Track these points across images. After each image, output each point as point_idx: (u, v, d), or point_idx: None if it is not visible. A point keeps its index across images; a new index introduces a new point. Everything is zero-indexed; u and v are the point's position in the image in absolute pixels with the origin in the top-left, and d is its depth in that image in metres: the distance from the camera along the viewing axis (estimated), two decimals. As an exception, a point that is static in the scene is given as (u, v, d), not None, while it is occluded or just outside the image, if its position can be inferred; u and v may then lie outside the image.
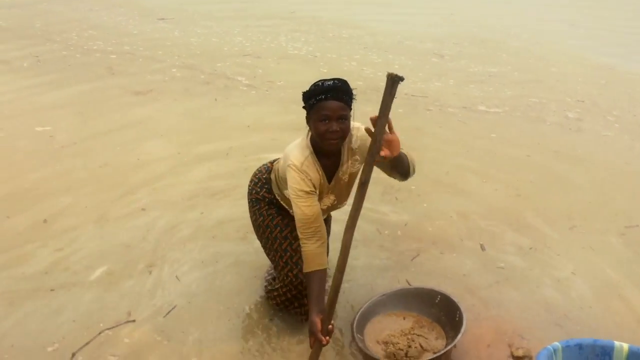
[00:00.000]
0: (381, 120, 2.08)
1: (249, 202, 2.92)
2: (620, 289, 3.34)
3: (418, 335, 2.91)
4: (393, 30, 10.07)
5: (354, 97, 2.42)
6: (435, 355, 2.61)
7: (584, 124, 6.14)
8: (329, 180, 2.59)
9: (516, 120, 6.06)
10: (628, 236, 3.89)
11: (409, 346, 2.83)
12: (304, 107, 2.47)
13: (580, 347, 2.62)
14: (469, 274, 3.44)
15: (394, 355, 2.75)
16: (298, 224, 2.47)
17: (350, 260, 2.36)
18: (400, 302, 3.06)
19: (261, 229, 2.87)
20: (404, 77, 2.07)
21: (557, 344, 2.61)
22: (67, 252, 3.47)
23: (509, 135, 5.56)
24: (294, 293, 2.82)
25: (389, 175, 2.57)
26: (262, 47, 8.24)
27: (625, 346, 2.61)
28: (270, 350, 2.79)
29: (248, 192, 2.93)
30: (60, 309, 2.99)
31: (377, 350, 2.78)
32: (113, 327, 2.89)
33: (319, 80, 2.39)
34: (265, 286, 3.09)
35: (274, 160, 2.91)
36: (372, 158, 2.14)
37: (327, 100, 2.33)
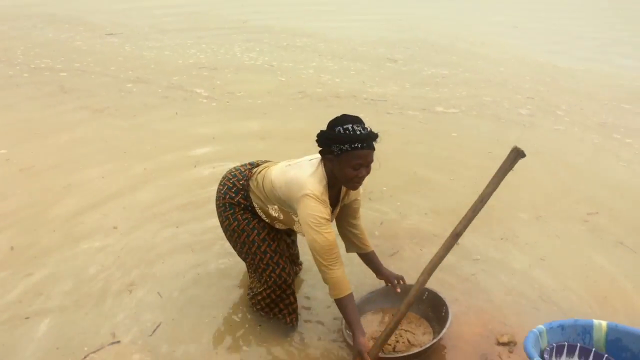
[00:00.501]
0: (490, 188, 2.61)
1: (220, 207, 2.86)
2: (587, 271, 3.52)
3: (406, 331, 2.97)
4: (345, 37, 10.21)
5: (378, 137, 2.46)
6: (420, 349, 2.67)
7: (536, 120, 6.40)
8: (332, 210, 2.66)
9: (473, 119, 6.26)
10: (590, 223, 4.09)
11: (397, 341, 2.88)
12: (321, 144, 2.48)
13: (562, 327, 2.75)
14: (447, 267, 3.51)
15: (382, 350, 2.80)
16: (321, 251, 2.47)
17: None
18: (388, 299, 3.12)
19: (236, 234, 2.83)
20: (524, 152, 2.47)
21: (541, 326, 2.72)
22: (39, 277, 3.32)
23: (469, 134, 5.74)
24: (277, 293, 2.83)
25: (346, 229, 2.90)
26: (218, 59, 8.20)
27: (604, 323, 2.74)
28: (261, 357, 2.78)
29: (219, 197, 2.87)
30: (40, 337, 2.86)
31: None
32: (98, 350, 2.80)
33: (347, 124, 2.41)
34: (248, 293, 3.08)
35: (251, 168, 2.90)
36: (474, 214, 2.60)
37: (363, 150, 2.38)
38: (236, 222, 2.82)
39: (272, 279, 2.79)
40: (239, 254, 2.94)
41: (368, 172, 2.51)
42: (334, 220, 2.79)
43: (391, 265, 3.50)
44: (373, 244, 3.68)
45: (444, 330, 2.73)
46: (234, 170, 2.94)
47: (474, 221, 3.92)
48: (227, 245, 3.57)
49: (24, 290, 3.21)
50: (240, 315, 3.08)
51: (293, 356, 2.80)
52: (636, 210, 4.30)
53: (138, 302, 3.16)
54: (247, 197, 2.82)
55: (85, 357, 2.77)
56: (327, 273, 2.51)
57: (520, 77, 8.38)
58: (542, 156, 5.22)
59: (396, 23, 12.32)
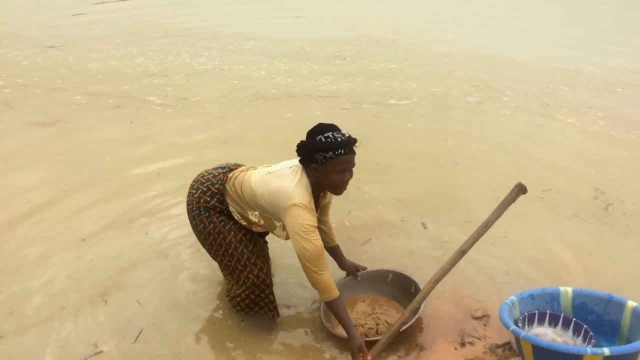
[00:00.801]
0: (494, 216, 2.98)
1: (194, 210, 2.85)
2: (547, 242, 3.75)
3: (381, 314, 3.10)
4: (291, 37, 10.29)
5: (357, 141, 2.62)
6: (407, 325, 2.78)
7: (484, 106, 6.67)
8: None
9: (426, 110, 6.47)
10: (546, 199, 4.32)
11: (377, 324, 3.00)
12: (302, 153, 2.61)
13: (532, 297, 2.93)
14: (417, 251, 3.68)
15: (366, 334, 2.90)
16: (310, 258, 2.56)
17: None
18: (355, 287, 3.25)
19: (212, 237, 2.84)
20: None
21: (513, 297, 2.89)
22: (6, 296, 3.24)
23: (424, 124, 5.94)
24: (257, 293, 2.87)
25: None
26: (167, 66, 8.11)
27: (569, 290, 2.94)
28: (247, 353, 2.82)
29: (192, 201, 2.86)
30: (19, 355, 2.80)
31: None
32: (82, 362, 2.77)
33: (323, 130, 2.56)
34: (227, 295, 3.10)
35: (224, 172, 2.91)
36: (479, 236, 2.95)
37: (346, 155, 2.53)
38: (212, 225, 2.83)
39: (250, 279, 2.83)
40: (215, 257, 2.94)
41: (351, 176, 2.64)
42: None
43: (364, 253, 3.62)
44: (345, 234, 3.81)
45: (423, 306, 2.85)
46: (206, 174, 2.94)
47: (439, 206, 4.13)
48: (200, 248, 3.60)
49: None
50: (221, 313, 3.11)
51: (279, 351, 2.86)
52: (586, 184, 4.57)
53: (115, 311, 3.13)
54: (222, 201, 2.84)
55: (69, 371, 2.74)
56: (316, 278, 2.60)
57: (465, 67, 8.68)
58: (494, 140, 5.47)
59: (340, 22, 12.49)
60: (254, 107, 6.40)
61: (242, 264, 2.82)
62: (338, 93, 6.99)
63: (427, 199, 4.29)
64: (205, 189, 2.84)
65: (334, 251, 3.17)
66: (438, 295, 3.22)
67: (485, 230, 2.94)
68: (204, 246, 2.98)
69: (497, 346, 2.92)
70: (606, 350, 2.30)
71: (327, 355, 2.82)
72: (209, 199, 2.82)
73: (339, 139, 2.52)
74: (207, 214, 2.83)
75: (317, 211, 2.81)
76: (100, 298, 3.24)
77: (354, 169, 2.65)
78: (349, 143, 2.54)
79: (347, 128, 2.68)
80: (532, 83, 7.83)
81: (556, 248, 3.68)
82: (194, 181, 2.94)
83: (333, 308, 2.67)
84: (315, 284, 2.63)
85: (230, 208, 2.84)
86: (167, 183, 4.52)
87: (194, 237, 3.64)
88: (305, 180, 2.62)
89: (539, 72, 8.53)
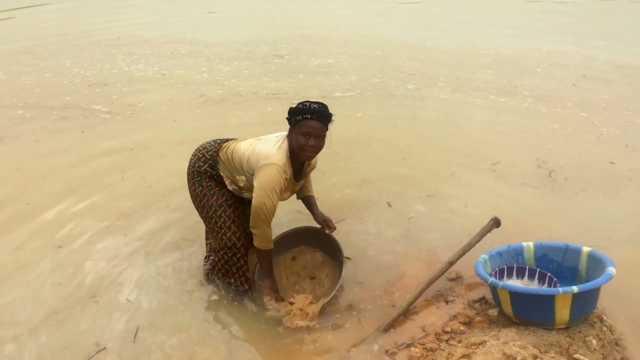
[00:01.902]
0: (475, 239, 3.33)
1: (189, 175, 3.23)
2: (503, 207, 4.13)
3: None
4: (225, 40, 10.35)
5: (332, 120, 2.95)
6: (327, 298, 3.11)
7: (423, 92, 7.09)
8: (296, 180, 3.09)
9: (370, 99, 6.79)
10: (497, 172, 4.74)
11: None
12: (287, 119, 2.94)
13: (500, 254, 3.26)
14: (387, 226, 3.95)
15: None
16: (267, 213, 2.91)
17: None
18: (300, 239, 3.58)
19: (198, 198, 3.19)
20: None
21: (484, 255, 3.21)
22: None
23: (372, 112, 6.26)
24: (229, 255, 3.16)
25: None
26: (105, 75, 7.97)
27: (531, 244, 3.30)
28: (247, 328, 3.05)
29: (189, 166, 3.24)
30: (22, 360, 2.82)
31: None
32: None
33: (306, 101, 2.91)
34: (205, 269, 3.40)
35: (219, 141, 3.26)
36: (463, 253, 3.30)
37: (311, 120, 2.84)
38: (200, 188, 3.18)
39: (224, 241, 3.12)
40: (201, 216, 3.28)
41: (317, 145, 2.90)
42: None
43: (340, 231, 3.83)
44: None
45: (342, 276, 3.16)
46: (205, 143, 3.30)
47: (401, 185, 4.39)
48: (184, 244, 3.72)
49: None
50: (214, 297, 3.27)
51: (277, 321, 3.05)
52: (528, 155, 5.04)
53: (107, 310, 3.21)
54: (214, 167, 3.18)
55: (78, 370, 2.79)
56: (264, 229, 2.97)
57: (398, 57, 9.10)
58: (440, 123, 5.87)
59: (270, 22, 12.63)
60: (204, 109, 6.47)
61: (218, 225, 3.14)
62: (283, 90, 7.18)
63: (390, 178, 4.60)
64: (201, 156, 3.21)
65: (309, 200, 3.46)
66: (410, 262, 3.56)
67: (468, 249, 3.34)
68: (196, 208, 3.29)
69: (474, 301, 3.25)
70: (575, 288, 2.63)
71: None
72: (202, 164, 3.17)
73: (312, 107, 2.86)
74: (199, 178, 3.18)
75: (302, 178, 3.18)
76: (91, 300, 3.30)
77: (323, 142, 2.93)
78: (317, 111, 2.86)
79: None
80: (461, 69, 8.35)
81: (511, 210, 4.08)
82: (194, 150, 3.29)
83: (262, 256, 3.09)
84: (261, 234, 2.98)
85: (222, 174, 3.16)
86: (134, 187, 4.60)
87: (171, 231, 3.82)
88: (285, 146, 2.95)
89: (465, 59, 9.10)
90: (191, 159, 3.26)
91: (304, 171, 3.17)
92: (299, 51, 9.56)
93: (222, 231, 3.11)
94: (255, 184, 2.91)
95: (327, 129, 2.94)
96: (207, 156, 3.19)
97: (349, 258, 3.51)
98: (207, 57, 9.02)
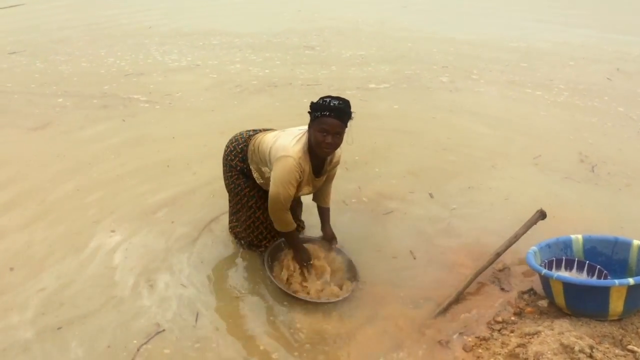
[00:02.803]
0: (521, 231, 3.38)
1: (224, 165, 3.42)
2: (544, 200, 4.06)
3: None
4: (256, 31, 10.41)
5: (352, 117, 2.94)
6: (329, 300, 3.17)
7: (458, 85, 7.09)
8: (316, 175, 3.15)
9: (406, 91, 6.81)
10: (539, 165, 4.74)
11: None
12: (309, 113, 2.95)
13: (548, 246, 3.28)
14: (430, 218, 3.99)
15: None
16: (283, 201, 3.01)
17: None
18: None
19: (232, 192, 3.45)
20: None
21: (534, 247, 3.23)
22: (55, 288, 3.31)
23: (409, 104, 6.28)
24: (255, 234, 3.46)
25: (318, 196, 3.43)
26: (140, 65, 8.08)
27: (580, 237, 3.31)
28: (308, 316, 3.10)
29: (224, 157, 3.41)
30: (85, 341, 2.90)
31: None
32: (149, 340, 2.92)
33: (327, 97, 2.90)
34: (238, 234, 3.63)
35: (252, 132, 3.34)
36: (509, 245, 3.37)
37: (329, 117, 2.84)
38: (232, 185, 3.40)
39: (250, 238, 3.48)
40: (230, 202, 3.54)
41: (334, 142, 2.91)
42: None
43: (388, 222, 3.90)
44: (366, 206, 4.07)
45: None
46: (237, 135, 3.41)
47: (444, 176, 4.38)
48: (220, 228, 3.81)
49: (42, 304, 3.17)
50: (269, 282, 3.31)
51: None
52: (569, 149, 5.04)
53: (164, 294, 3.27)
54: (244, 160, 3.29)
55: (138, 350, 2.87)
56: (281, 215, 3.09)
57: (428, 50, 9.09)
58: (478, 115, 5.87)
59: (297, 14, 12.67)
60: (240, 99, 6.55)
61: (247, 224, 3.44)
62: (318, 81, 7.23)
63: (433, 170, 4.65)
64: (232, 148, 3.35)
65: (323, 212, 3.50)
66: (455, 251, 3.64)
67: (515, 241, 3.40)
68: (227, 189, 3.51)
69: (523, 292, 3.27)
70: (631, 280, 2.65)
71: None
72: (233, 158, 3.33)
73: (332, 104, 2.85)
74: (230, 173, 3.38)
75: (323, 174, 3.21)
76: (146, 284, 3.36)
77: (341, 140, 2.94)
78: (336, 109, 2.85)
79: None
80: (493, 62, 8.32)
81: (554, 205, 4.06)
82: (230, 138, 3.44)
83: (289, 237, 3.24)
84: (280, 219, 3.11)
85: (251, 166, 3.27)
86: (178, 174, 4.65)
87: (218, 219, 3.96)
88: (304, 139, 3.00)
89: (497, 52, 9.06)
90: (225, 149, 3.42)
91: (325, 167, 3.20)
92: (330, 42, 9.59)
93: (250, 230, 3.44)
94: (271, 175, 3.01)
95: (346, 127, 2.93)
96: (237, 149, 3.31)
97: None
98: (239, 48, 9.09)
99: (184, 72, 7.71)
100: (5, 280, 3.39)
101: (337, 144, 2.92)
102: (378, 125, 5.51)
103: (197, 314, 3.10)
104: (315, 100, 2.93)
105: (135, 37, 9.89)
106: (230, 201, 3.54)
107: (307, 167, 3.03)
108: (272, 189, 2.98)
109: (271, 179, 3.00)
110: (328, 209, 3.48)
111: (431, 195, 4.29)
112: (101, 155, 4.98)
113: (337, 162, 3.29)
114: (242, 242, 3.59)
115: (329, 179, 3.36)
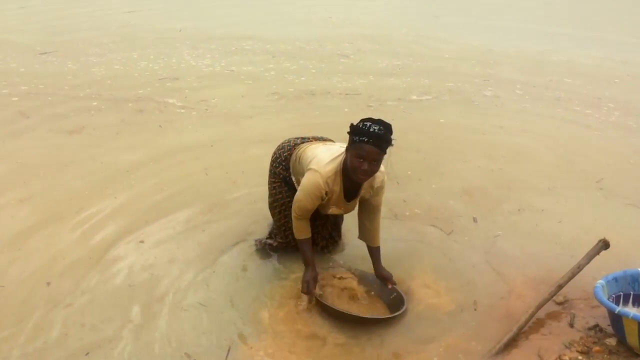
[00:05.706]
0: (584, 261, 3.06)
1: (270, 171, 3.38)
2: (601, 227, 3.81)
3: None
4: (287, 37, 10.27)
5: (392, 144, 2.78)
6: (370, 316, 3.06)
7: (502, 100, 6.83)
8: (347, 199, 3.04)
9: (449, 104, 6.57)
10: (604, 189, 4.46)
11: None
12: (348, 134, 2.80)
13: (615, 279, 3.01)
14: (475, 243, 3.73)
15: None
16: (302, 207, 2.98)
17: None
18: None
19: (272, 199, 3.39)
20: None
21: (602, 280, 2.95)
22: (77, 307, 3.04)
23: (455, 118, 6.03)
24: (289, 239, 3.41)
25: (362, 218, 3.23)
26: (173, 69, 7.94)
27: (649, 270, 3.02)
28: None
29: (271, 162, 3.37)
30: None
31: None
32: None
33: (368, 121, 2.73)
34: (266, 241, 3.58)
35: (296, 141, 3.29)
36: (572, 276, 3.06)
37: (367, 144, 2.69)
38: (274, 192, 3.36)
39: (286, 233, 3.39)
40: (270, 207, 3.46)
41: (371, 170, 2.76)
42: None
43: (455, 242, 3.66)
44: (425, 230, 3.82)
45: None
46: (284, 142, 3.35)
47: (493, 196, 4.10)
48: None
49: (65, 324, 2.91)
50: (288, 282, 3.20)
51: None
52: (630, 173, 4.75)
53: (193, 315, 3.02)
54: (287, 168, 3.26)
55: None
56: (297, 221, 3.04)
57: (466, 62, 8.86)
58: (530, 133, 5.61)
59: (328, 21, 12.52)
60: (279, 106, 6.36)
61: (281, 222, 3.39)
62: (356, 90, 7.02)
63: (489, 190, 4.39)
64: (277, 156, 3.32)
65: (373, 252, 3.25)
66: (507, 279, 3.37)
67: (578, 272, 3.12)
68: (269, 193, 3.44)
69: (588, 329, 2.99)
70: None
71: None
72: (277, 165, 3.30)
73: (371, 130, 2.68)
74: (274, 179, 3.35)
75: (355, 197, 3.07)
76: (178, 305, 3.11)
77: (378, 167, 2.79)
78: (375, 135, 2.68)
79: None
80: (536, 76, 8.06)
81: (614, 232, 3.76)
82: (277, 147, 3.39)
83: (300, 244, 3.12)
84: (295, 225, 3.06)
85: (292, 176, 3.23)
86: (218, 182, 4.47)
87: (242, 230, 3.82)
88: (340, 159, 2.91)
89: (537, 65, 8.81)
90: (272, 155, 3.38)
91: (359, 191, 3.04)
92: (364, 51, 9.40)
93: (284, 228, 3.41)
94: (300, 185, 3.01)
95: (384, 154, 2.78)
96: (282, 157, 3.28)
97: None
98: (272, 54, 8.92)
99: (218, 78, 7.56)
100: (37, 293, 3.14)
101: (373, 171, 2.78)
102: (426, 140, 5.29)
103: (229, 349, 2.80)
104: (355, 122, 2.77)
105: (166, 40, 9.78)
106: (269, 204, 3.47)
107: (337, 188, 2.95)
108: (297, 194, 3.00)
109: (298, 188, 3.01)
110: (378, 248, 3.24)
111: (475, 220, 4.00)
112: (138, 162, 4.80)
113: (381, 189, 3.08)
114: (274, 240, 3.54)
115: (374, 210, 3.15)
